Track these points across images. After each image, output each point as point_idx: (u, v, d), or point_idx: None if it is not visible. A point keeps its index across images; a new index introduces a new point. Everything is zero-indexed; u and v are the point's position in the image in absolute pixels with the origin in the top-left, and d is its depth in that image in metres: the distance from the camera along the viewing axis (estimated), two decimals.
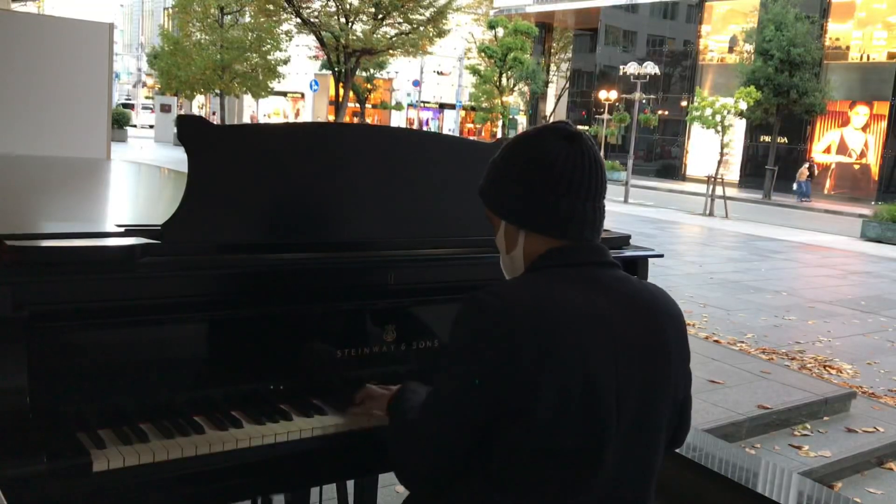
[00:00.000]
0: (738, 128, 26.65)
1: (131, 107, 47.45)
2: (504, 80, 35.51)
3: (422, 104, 50.59)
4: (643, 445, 1.37)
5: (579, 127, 1.43)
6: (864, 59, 29.11)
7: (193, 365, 1.61)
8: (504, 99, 35.55)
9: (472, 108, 40.87)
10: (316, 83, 36.79)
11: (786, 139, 28.96)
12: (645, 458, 1.38)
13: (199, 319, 1.60)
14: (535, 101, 43.23)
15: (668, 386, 1.39)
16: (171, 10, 43.01)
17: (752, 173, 29.94)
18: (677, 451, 3.53)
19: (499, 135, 35.12)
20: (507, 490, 1.30)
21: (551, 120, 41.16)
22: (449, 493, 1.38)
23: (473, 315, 1.32)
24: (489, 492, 1.32)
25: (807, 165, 26.91)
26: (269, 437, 1.53)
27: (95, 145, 5.89)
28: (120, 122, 31.78)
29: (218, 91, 31.63)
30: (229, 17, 31.08)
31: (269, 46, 30.26)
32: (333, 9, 24.96)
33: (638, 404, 1.34)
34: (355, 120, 38.45)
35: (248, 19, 30.78)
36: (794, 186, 26.65)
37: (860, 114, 28.79)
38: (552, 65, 46.03)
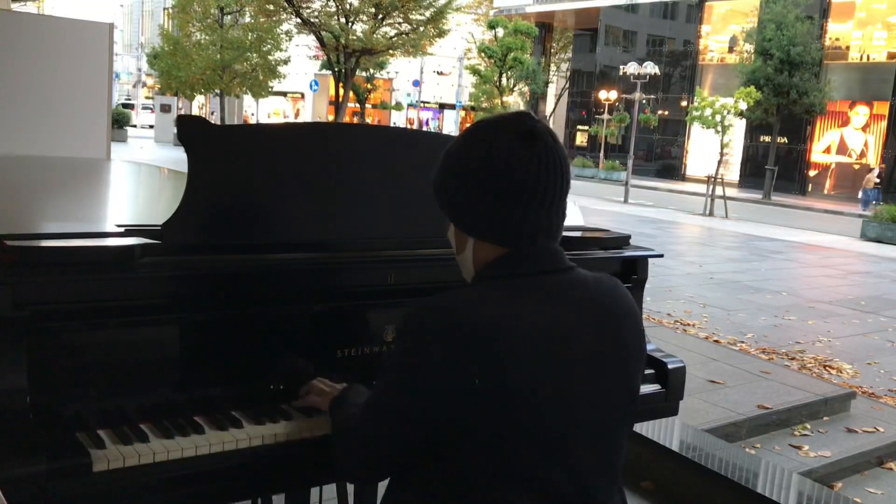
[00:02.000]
0: (738, 128, 26.63)
1: (131, 107, 47.45)
2: (504, 80, 35.50)
3: (422, 104, 50.60)
4: (605, 450, 1.34)
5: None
6: (864, 59, 29.12)
7: (193, 365, 1.61)
8: (504, 99, 35.54)
9: (472, 108, 40.87)
10: (316, 83, 36.80)
11: (786, 139, 28.97)
12: (607, 461, 1.35)
13: (199, 319, 1.60)
14: (535, 101, 43.22)
15: (628, 386, 1.37)
16: (171, 10, 42.99)
17: (752, 173, 29.95)
18: (677, 451, 3.52)
19: None
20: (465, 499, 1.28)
21: (551, 120, 40.87)
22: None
23: (415, 330, 1.27)
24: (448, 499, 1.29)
25: (876, 172, 25.62)
26: (270, 437, 1.53)
27: (95, 145, 5.88)
28: (120, 122, 31.79)
29: (218, 91, 31.63)
30: (229, 17, 31.09)
31: (269, 46, 30.27)
32: (333, 9, 24.97)
33: (599, 411, 1.31)
34: (355, 120, 38.44)
35: (248, 19, 30.78)
36: (860, 195, 25.58)
37: (860, 114, 28.80)
38: (552, 65, 46.02)
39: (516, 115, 1.34)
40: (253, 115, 42.07)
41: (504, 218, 1.29)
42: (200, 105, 44.34)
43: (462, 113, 48.56)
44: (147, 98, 53.71)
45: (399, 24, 25.89)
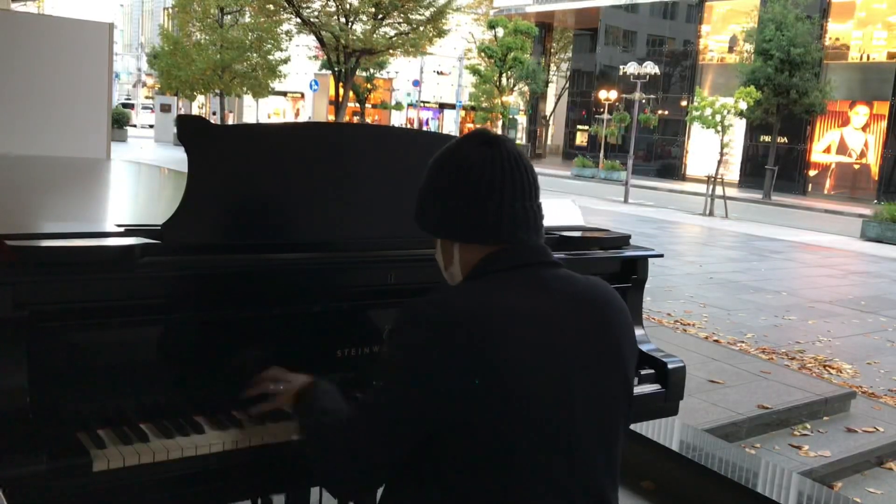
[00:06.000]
0: (738, 128, 26.60)
1: (131, 107, 47.38)
2: (504, 80, 35.51)
3: (422, 104, 50.55)
4: (607, 447, 1.35)
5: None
6: (864, 59, 29.10)
7: (193, 365, 1.61)
8: (504, 99, 35.54)
9: (472, 108, 40.82)
10: (316, 83, 36.76)
11: (786, 139, 28.95)
12: (610, 458, 1.36)
13: (199, 319, 1.60)
14: (535, 101, 43.22)
15: (623, 381, 1.38)
16: (171, 10, 42.97)
17: (752, 173, 29.93)
18: (677, 451, 3.52)
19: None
20: (463, 499, 1.27)
21: (551, 120, 40.79)
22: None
23: (407, 327, 1.30)
24: (446, 500, 1.29)
25: None
26: (270, 436, 1.53)
27: (95, 145, 5.88)
28: (120, 122, 31.78)
29: (218, 91, 31.62)
30: (229, 17, 31.08)
31: (269, 46, 30.25)
32: (333, 9, 24.95)
33: (598, 405, 1.32)
34: (355, 120, 38.41)
35: (248, 19, 30.77)
36: None
37: (860, 114, 28.77)
38: (552, 65, 46.03)
39: (475, 131, 1.45)
40: (231, 112, 41.46)
41: (479, 213, 1.35)
42: (200, 105, 44.29)
43: (462, 113, 48.53)
44: (147, 98, 53.66)
45: (399, 24, 25.87)
